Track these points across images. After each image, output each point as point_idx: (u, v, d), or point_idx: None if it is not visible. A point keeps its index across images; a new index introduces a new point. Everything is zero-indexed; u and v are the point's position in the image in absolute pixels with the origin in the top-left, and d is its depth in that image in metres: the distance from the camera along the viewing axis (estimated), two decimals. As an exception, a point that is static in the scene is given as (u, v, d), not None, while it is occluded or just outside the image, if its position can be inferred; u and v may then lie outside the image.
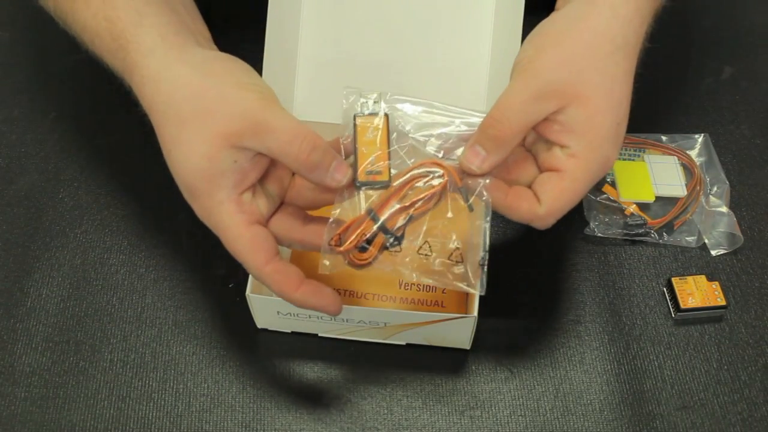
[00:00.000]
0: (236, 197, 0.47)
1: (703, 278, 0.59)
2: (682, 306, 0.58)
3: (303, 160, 0.47)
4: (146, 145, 0.54)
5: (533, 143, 0.51)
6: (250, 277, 0.52)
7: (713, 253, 0.61)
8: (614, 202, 0.63)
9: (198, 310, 0.58)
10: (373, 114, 0.49)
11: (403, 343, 0.56)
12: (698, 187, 0.63)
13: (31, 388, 0.54)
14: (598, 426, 0.53)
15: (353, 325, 0.54)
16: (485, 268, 0.49)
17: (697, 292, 0.58)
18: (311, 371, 0.55)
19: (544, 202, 0.48)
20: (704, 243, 0.62)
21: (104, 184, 0.64)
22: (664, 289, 0.59)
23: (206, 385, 0.55)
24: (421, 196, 0.48)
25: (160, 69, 0.48)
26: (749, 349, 0.57)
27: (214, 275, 0.59)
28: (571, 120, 0.48)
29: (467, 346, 0.56)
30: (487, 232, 0.51)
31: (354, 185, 0.48)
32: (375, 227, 0.47)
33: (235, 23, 0.68)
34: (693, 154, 0.66)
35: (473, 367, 0.56)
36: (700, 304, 0.58)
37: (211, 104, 0.47)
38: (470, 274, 0.49)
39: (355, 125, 0.49)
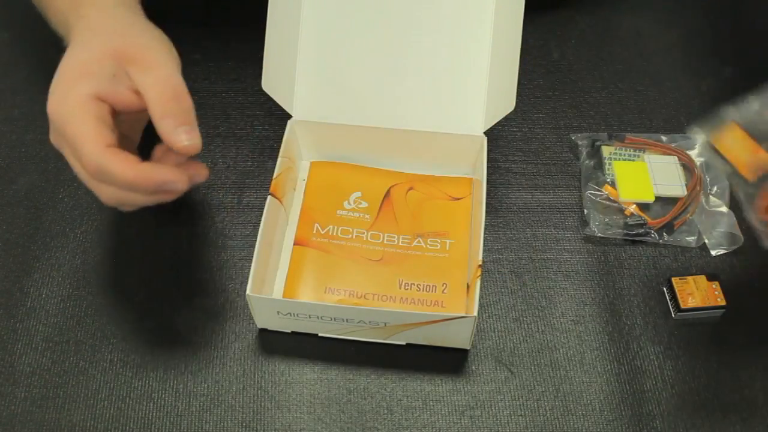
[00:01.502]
0: (94, 96, 0.50)
1: (703, 278, 0.59)
2: (682, 306, 0.58)
3: (163, 102, 0.50)
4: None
5: None
6: (250, 277, 0.52)
7: (713, 253, 0.61)
8: (614, 202, 0.63)
9: (198, 310, 0.58)
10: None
11: (403, 343, 0.56)
12: (698, 187, 0.63)
13: (31, 388, 0.54)
14: (598, 426, 0.54)
15: (353, 325, 0.54)
16: None
17: (697, 292, 0.58)
18: (311, 371, 0.55)
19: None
20: (704, 243, 0.62)
21: (104, 184, 0.64)
22: (664, 289, 0.59)
23: (206, 385, 0.55)
24: None
25: (97, 14, 0.56)
26: (749, 349, 0.57)
27: (213, 276, 0.59)
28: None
29: (467, 346, 0.56)
30: None
31: None
32: None
33: (235, 23, 0.68)
34: (693, 154, 0.66)
35: (473, 367, 0.56)
36: (700, 304, 0.58)
37: (126, 25, 0.54)
38: None
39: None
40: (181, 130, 0.50)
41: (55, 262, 0.60)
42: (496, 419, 0.54)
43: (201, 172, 0.53)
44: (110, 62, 0.52)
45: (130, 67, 0.52)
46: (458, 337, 0.55)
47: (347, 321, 0.53)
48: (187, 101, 0.51)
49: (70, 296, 0.58)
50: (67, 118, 0.50)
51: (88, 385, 0.55)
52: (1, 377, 0.55)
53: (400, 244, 0.59)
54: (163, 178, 0.50)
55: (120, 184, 0.50)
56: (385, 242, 0.59)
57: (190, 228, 0.62)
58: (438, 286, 0.57)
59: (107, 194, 0.52)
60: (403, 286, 0.57)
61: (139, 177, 0.49)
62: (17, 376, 0.55)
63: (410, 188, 0.62)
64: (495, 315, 0.58)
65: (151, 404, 0.54)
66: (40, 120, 0.68)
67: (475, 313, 0.52)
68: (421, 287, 0.57)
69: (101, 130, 0.50)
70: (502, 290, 0.59)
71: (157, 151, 0.53)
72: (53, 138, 0.53)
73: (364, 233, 0.60)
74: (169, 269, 0.60)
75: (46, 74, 0.71)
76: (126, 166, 0.49)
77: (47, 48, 0.73)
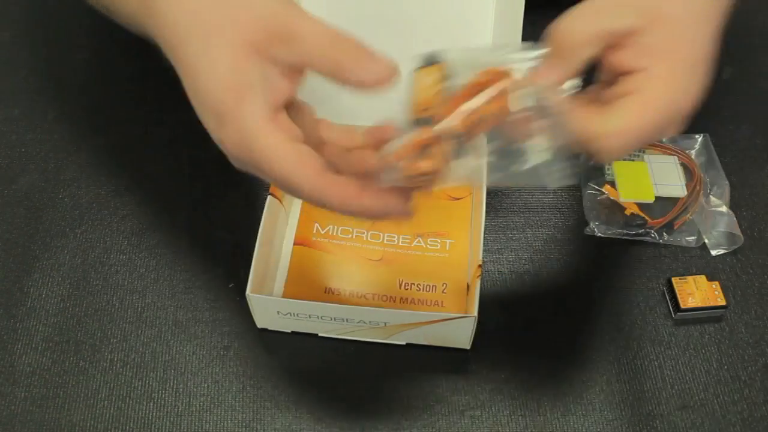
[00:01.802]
0: (271, 114, 0.43)
1: (703, 278, 0.59)
2: (682, 306, 0.58)
3: (334, 55, 0.43)
4: (146, 145, 0.54)
5: (600, 90, 0.46)
6: (250, 277, 0.52)
7: (713, 253, 0.61)
8: (614, 202, 0.63)
9: (198, 310, 0.58)
10: (433, 63, 0.45)
11: (403, 343, 0.56)
12: (698, 187, 0.63)
13: (31, 388, 0.54)
14: (598, 426, 0.53)
15: (353, 325, 0.54)
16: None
17: (697, 292, 0.58)
18: (311, 371, 0.55)
19: (616, 118, 0.43)
20: (704, 243, 0.62)
21: (104, 184, 0.64)
22: (664, 289, 0.59)
23: (206, 385, 0.55)
24: (485, 94, 0.43)
25: None
26: (749, 349, 0.57)
27: (214, 275, 0.59)
28: (652, 42, 0.43)
29: (467, 346, 0.56)
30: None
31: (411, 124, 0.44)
32: (434, 129, 0.42)
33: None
34: (693, 154, 0.66)
35: (473, 367, 0.56)
36: (700, 304, 0.58)
37: (235, 12, 0.44)
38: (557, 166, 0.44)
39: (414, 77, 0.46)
40: (364, 66, 0.43)
41: (55, 262, 0.60)
42: (496, 419, 0.54)
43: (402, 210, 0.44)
44: (256, 62, 0.43)
45: (276, 49, 0.43)
46: (458, 337, 0.55)
47: (347, 321, 0.53)
48: (352, 40, 0.43)
49: (70, 296, 0.58)
50: (258, 156, 0.42)
51: (88, 385, 0.55)
52: (1, 377, 0.55)
53: (400, 244, 0.59)
54: (391, 208, 0.43)
55: (338, 211, 0.44)
56: (385, 242, 0.59)
57: (190, 227, 0.62)
58: (438, 286, 0.57)
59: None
60: (403, 286, 0.57)
61: (368, 207, 0.43)
62: (17, 376, 0.55)
63: None
64: (495, 315, 0.58)
65: (151, 404, 0.54)
66: (40, 120, 0.68)
67: (475, 313, 0.52)
68: (421, 287, 0.57)
69: (303, 158, 0.42)
70: (502, 290, 0.59)
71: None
72: (248, 170, 0.45)
73: (364, 233, 0.60)
74: (169, 269, 0.60)
75: (46, 74, 0.72)
76: (351, 196, 0.43)
77: (47, 48, 0.74)
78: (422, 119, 0.43)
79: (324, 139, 0.46)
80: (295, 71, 0.44)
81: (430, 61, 0.45)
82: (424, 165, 0.42)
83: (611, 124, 0.43)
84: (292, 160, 0.42)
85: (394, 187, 0.43)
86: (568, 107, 0.43)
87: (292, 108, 0.45)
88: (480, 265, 0.54)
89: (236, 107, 0.42)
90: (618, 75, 0.45)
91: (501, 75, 0.43)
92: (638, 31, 0.43)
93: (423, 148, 0.42)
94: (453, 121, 0.42)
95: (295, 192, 0.44)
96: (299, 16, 0.44)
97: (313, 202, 0.44)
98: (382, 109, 0.63)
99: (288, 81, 0.44)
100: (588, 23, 0.44)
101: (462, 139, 0.42)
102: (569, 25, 0.44)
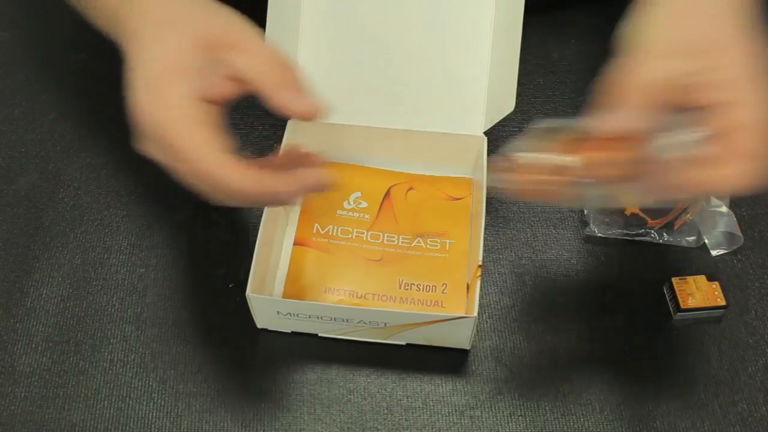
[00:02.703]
0: (196, 96, 0.45)
1: (703, 278, 0.59)
2: (682, 306, 0.58)
3: (275, 76, 0.46)
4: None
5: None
6: (250, 277, 0.52)
7: (713, 253, 0.61)
8: (614, 202, 0.63)
9: (198, 310, 0.58)
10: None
11: (403, 343, 0.56)
12: (698, 187, 0.63)
13: (31, 388, 0.54)
14: (598, 426, 0.54)
15: (353, 325, 0.54)
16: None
17: (697, 292, 0.58)
18: (311, 371, 0.55)
19: (737, 155, 0.43)
20: (704, 243, 0.62)
21: (104, 184, 0.64)
22: (664, 289, 0.59)
23: (206, 385, 0.55)
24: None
25: (156, 3, 0.49)
26: (749, 349, 0.57)
27: (214, 275, 0.59)
28: (722, 72, 0.45)
29: (467, 346, 0.56)
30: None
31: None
32: (568, 159, 0.46)
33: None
34: (693, 154, 0.66)
35: (473, 367, 0.56)
36: (700, 304, 0.58)
37: (198, 11, 0.48)
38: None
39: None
40: (299, 96, 0.47)
41: (55, 262, 0.60)
42: (496, 419, 0.54)
43: (317, 179, 0.48)
44: (199, 54, 0.46)
45: (224, 53, 0.46)
46: (458, 337, 0.55)
47: (347, 321, 0.53)
48: (295, 70, 0.47)
49: (70, 296, 0.58)
50: (168, 125, 0.45)
51: (88, 385, 0.55)
52: (1, 377, 0.55)
53: (400, 244, 0.59)
54: (280, 189, 0.46)
55: (235, 194, 0.46)
56: (385, 242, 0.59)
57: (190, 227, 0.62)
58: (438, 286, 0.57)
59: (216, 198, 0.47)
60: (403, 286, 0.57)
61: (256, 188, 0.45)
62: (17, 376, 0.55)
63: (410, 188, 0.62)
64: (495, 315, 0.58)
65: (151, 404, 0.54)
66: (40, 120, 0.68)
67: (475, 313, 0.52)
68: (421, 287, 0.57)
69: (211, 136, 0.45)
70: (502, 290, 0.59)
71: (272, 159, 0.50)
72: (146, 147, 0.47)
73: (364, 233, 0.60)
74: (169, 269, 0.60)
75: (46, 74, 0.72)
76: (242, 177, 0.45)
77: (47, 48, 0.74)
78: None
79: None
80: (233, 81, 0.47)
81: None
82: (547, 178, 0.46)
83: (742, 163, 0.43)
84: (195, 133, 0.44)
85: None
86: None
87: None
88: (480, 265, 0.54)
89: (168, 81, 0.45)
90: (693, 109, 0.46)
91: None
92: (701, 70, 0.45)
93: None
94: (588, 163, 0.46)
95: (193, 167, 0.45)
96: (253, 36, 0.48)
97: (212, 185, 0.45)
98: (379, 109, 0.63)
99: (222, 83, 0.47)
100: (656, 69, 0.45)
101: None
102: (636, 76, 0.45)
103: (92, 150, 0.66)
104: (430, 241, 0.60)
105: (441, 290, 0.57)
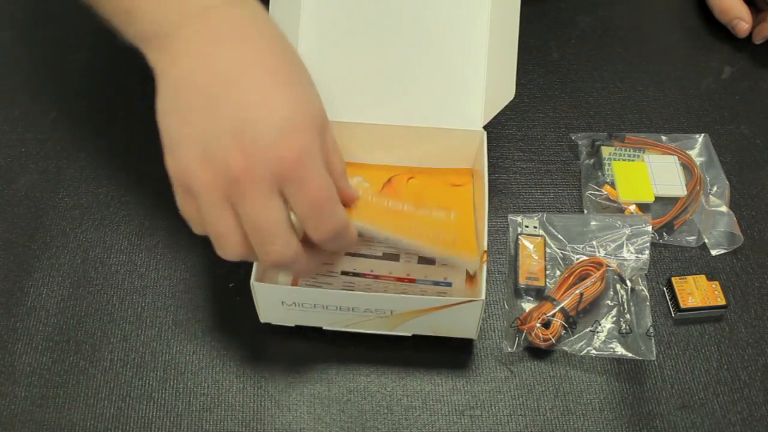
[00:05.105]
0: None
1: (703, 278, 0.59)
2: (682, 306, 0.58)
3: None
4: (146, 145, 0.54)
5: None
6: (255, 264, 0.52)
7: (713, 253, 0.61)
8: (614, 202, 0.63)
9: (198, 310, 0.58)
10: (534, 235, 0.60)
11: (409, 334, 0.55)
12: (698, 187, 0.63)
13: (31, 388, 0.54)
14: (598, 426, 0.54)
15: (359, 314, 0.53)
16: (652, 337, 0.55)
17: (697, 291, 0.58)
18: (311, 371, 0.55)
19: None
20: (704, 243, 0.62)
21: (104, 184, 0.64)
22: (664, 289, 0.59)
23: (206, 385, 0.55)
24: (589, 281, 0.57)
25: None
26: (749, 348, 0.57)
27: (214, 275, 0.59)
28: None
29: (474, 335, 0.55)
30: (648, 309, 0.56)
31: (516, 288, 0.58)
32: (556, 308, 0.56)
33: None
34: (693, 154, 0.66)
35: (473, 367, 0.56)
36: (700, 304, 0.58)
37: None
38: (640, 343, 0.55)
39: (518, 242, 0.59)
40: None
41: (55, 262, 0.60)
42: (496, 419, 0.54)
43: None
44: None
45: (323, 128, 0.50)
46: (466, 325, 0.54)
47: (353, 310, 0.53)
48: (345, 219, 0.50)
49: (70, 296, 0.58)
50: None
51: (89, 385, 0.55)
52: (1, 377, 0.55)
53: (404, 210, 0.57)
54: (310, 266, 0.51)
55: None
56: (389, 206, 0.57)
57: (190, 227, 0.62)
58: (448, 239, 0.55)
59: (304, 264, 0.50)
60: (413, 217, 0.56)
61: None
62: (17, 375, 0.55)
63: (411, 177, 0.62)
64: (495, 315, 0.58)
65: (151, 404, 0.54)
66: (40, 120, 0.68)
67: (483, 296, 0.51)
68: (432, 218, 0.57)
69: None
70: (503, 290, 0.59)
71: None
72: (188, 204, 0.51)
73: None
74: (169, 269, 0.60)
75: (46, 74, 0.72)
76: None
77: (47, 48, 0.74)
78: (525, 286, 0.58)
79: None
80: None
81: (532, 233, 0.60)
82: (550, 331, 0.55)
83: None
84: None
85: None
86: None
87: None
88: (486, 251, 0.53)
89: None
90: None
91: (598, 262, 0.58)
92: None
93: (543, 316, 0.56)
94: (568, 301, 0.56)
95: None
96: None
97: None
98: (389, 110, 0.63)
99: None
100: None
101: (572, 315, 0.56)
102: None
103: (92, 150, 0.66)
104: (435, 211, 0.57)
105: (451, 240, 0.56)
